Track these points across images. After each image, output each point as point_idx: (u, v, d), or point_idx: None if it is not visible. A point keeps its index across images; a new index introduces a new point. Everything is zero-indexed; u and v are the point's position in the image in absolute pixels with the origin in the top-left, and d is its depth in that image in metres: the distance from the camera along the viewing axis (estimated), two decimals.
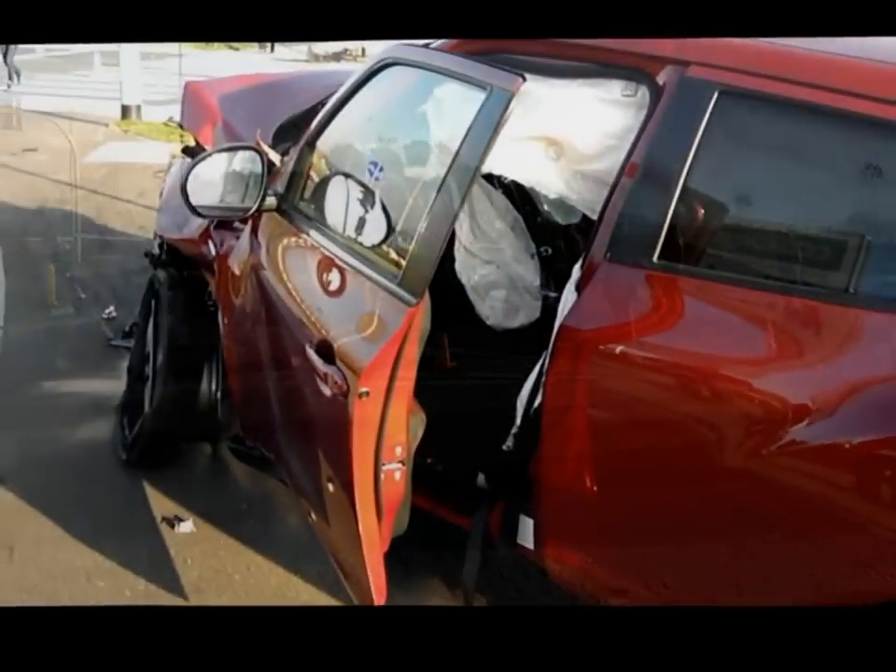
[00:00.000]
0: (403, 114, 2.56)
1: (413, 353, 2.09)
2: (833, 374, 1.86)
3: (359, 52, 21.15)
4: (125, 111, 10.63)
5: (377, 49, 2.62)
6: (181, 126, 8.03)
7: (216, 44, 21.87)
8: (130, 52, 10.48)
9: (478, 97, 2.01)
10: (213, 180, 2.69)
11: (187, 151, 3.72)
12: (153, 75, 12.81)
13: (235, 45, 21.79)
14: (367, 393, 2.02)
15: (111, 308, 4.91)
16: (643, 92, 2.21)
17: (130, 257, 5.71)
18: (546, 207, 3.08)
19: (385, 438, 2.10)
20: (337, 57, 20.55)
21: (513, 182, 2.78)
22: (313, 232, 2.48)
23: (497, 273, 3.06)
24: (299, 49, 21.27)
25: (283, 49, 21.45)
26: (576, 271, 2.18)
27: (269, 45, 21.32)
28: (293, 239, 2.59)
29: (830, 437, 1.82)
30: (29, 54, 17.83)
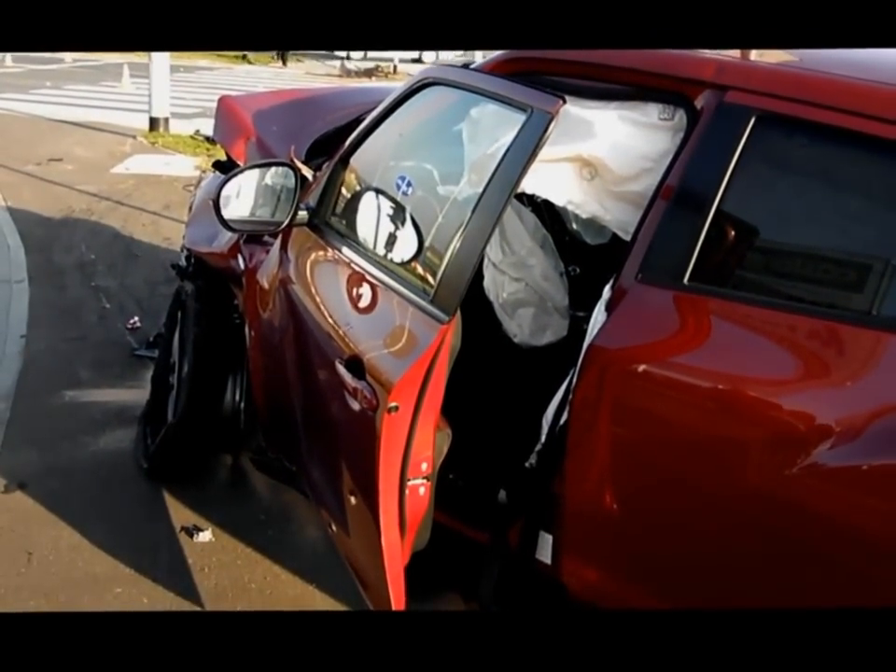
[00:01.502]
0: (440, 132, 2.58)
1: (442, 369, 2.09)
2: (859, 396, 1.86)
3: (391, 69, 21.36)
4: (153, 123, 10.71)
5: (408, 67, 2.65)
6: (208, 139, 8.07)
7: (245, 59, 22.17)
8: (159, 64, 10.55)
9: (518, 118, 2.02)
10: (245, 195, 2.71)
11: (218, 166, 3.77)
12: (181, 87, 12.91)
13: (263, 59, 22.06)
14: (396, 408, 2.03)
15: (135, 318, 4.94)
16: (680, 116, 2.23)
17: (154, 268, 5.77)
18: (575, 227, 3.10)
19: (412, 453, 2.10)
20: (368, 73, 20.75)
21: (543, 201, 2.79)
22: (343, 248, 2.49)
23: (525, 290, 3.07)
24: (331, 65, 21.46)
25: (316, 64, 21.65)
26: (606, 291, 2.18)
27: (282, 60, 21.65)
28: (324, 254, 2.60)
29: (855, 459, 1.82)
30: (57, 64, 18.03)
